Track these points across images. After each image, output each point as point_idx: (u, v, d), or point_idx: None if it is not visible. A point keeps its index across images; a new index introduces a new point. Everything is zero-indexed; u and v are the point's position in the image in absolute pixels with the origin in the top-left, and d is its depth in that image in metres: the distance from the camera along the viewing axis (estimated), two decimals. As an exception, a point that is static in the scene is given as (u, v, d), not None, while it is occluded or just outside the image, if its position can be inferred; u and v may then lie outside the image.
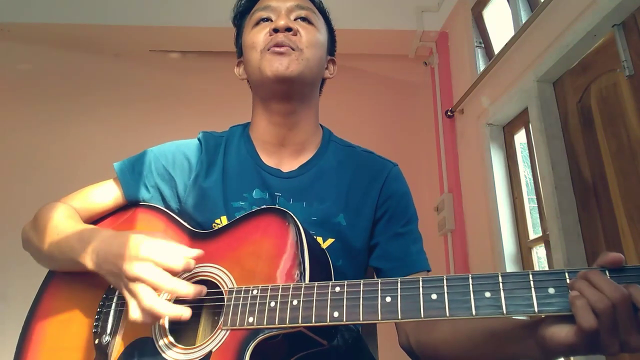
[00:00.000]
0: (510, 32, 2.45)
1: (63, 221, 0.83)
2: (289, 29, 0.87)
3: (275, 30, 0.87)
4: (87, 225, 0.83)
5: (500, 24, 2.71)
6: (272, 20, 0.90)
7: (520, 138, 2.51)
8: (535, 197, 2.30)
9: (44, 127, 3.13)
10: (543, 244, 2.19)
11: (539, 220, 2.26)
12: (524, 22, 2.29)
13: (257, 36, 0.89)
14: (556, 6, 2.04)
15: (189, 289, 0.66)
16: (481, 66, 2.76)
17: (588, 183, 1.93)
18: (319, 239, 0.83)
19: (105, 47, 3.32)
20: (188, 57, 3.45)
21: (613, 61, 1.80)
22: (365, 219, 0.88)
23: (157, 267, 0.66)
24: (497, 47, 2.70)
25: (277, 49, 0.85)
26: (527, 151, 2.40)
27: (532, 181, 2.37)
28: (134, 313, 0.65)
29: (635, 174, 1.68)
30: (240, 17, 0.99)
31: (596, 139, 1.89)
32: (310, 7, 0.93)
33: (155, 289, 0.65)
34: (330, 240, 0.84)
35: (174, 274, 0.66)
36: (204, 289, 0.67)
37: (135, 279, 0.66)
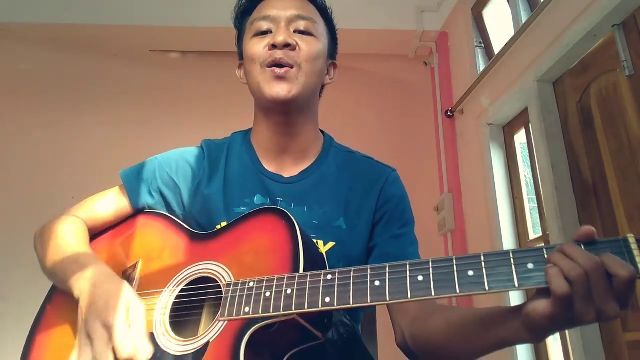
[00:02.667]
0: (510, 32, 2.45)
1: (67, 241, 0.84)
2: (287, 45, 0.86)
3: (274, 46, 0.86)
4: (87, 251, 0.83)
5: (500, 24, 2.71)
6: (272, 32, 0.89)
7: (520, 138, 2.51)
8: (535, 197, 2.30)
9: (44, 127, 3.12)
10: (543, 244, 2.19)
11: (539, 220, 2.27)
12: (524, 22, 2.30)
13: (256, 48, 0.89)
14: (556, 6, 2.05)
15: None
16: (481, 66, 2.76)
17: (588, 183, 1.93)
18: (320, 243, 0.85)
19: (105, 47, 3.32)
20: (188, 57, 3.45)
21: (613, 61, 1.80)
22: (364, 222, 0.90)
23: (108, 343, 0.65)
24: (497, 47, 2.70)
25: (278, 72, 0.85)
26: (527, 151, 2.40)
27: (532, 181, 2.37)
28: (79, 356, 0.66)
29: (635, 174, 1.68)
30: (241, 18, 0.98)
31: (596, 139, 1.89)
32: (310, 17, 0.91)
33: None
34: (330, 244, 0.86)
35: (118, 357, 0.65)
36: None
37: (87, 336, 0.66)
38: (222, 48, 3.21)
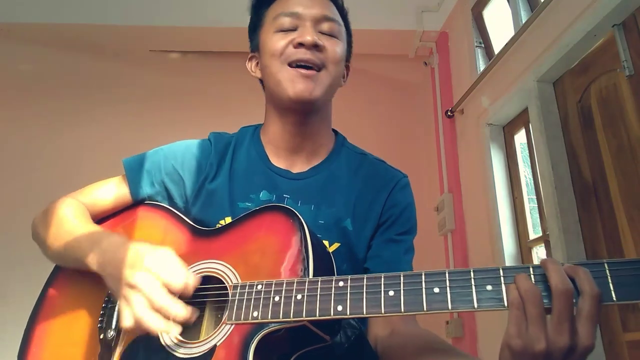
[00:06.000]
0: (510, 32, 2.45)
1: (73, 219, 0.83)
2: (315, 45, 0.84)
3: (301, 44, 0.84)
4: (96, 227, 0.83)
5: (500, 24, 2.71)
6: (296, 29, 0.86)
7: (520, 138, 2.51)
8: (535, 197, 2.30)
9: (44, 126, 3.13)
10: (543, 244, 2.19)
11: (539, 220, 2.27)
12: (524, 22, 2.30)
13: (279, 44, 0.85)
14: (556, 6, 2.04)
15: (178, 311, 0.66)
16: (481, 66, 2.76)
17: (588, 183, 1.93)
18: (325, 243, 0.84)
19: (105, 47, 3.32)
20: (188, 57, 3.45)
21: (613, 61, 1.80)
22: (370, 226, 0.89)
23: (157, 280, 0.66)
24: (497, 47, 2.70)
25: (304, 72, 0.83)
26: (527, 151, 2.40)
27: (532, 181, 2.37)
28: (126, 321, 0.66)
29: (635, 174, 1.68)
30: (258, 6, 0.93)
31: (596, 139, 1.89)
32: (335, 18, 0.89)
33: (149, 301, 0.65)
34: (336, 245, 0.85)
35: (172, 291, 0.67)
36: (194, 316, 0.68)
37: (132, 287, 0.66)
38: (222, 48, 3.21)
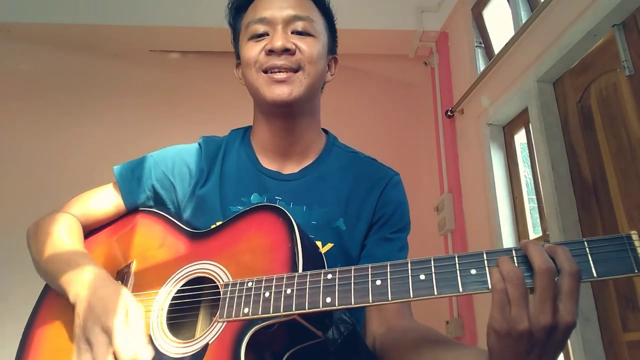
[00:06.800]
0: (510, 32, 2.45)
1: (62, 240, 0.82)
2: (286, 49, 0.84)
3: (272, 51, 0.84)
4: (82, 253, 0.81)
5: (500, 24, 2.71)
6: (268, 34, 0.86)
7: (520, 138, 2.51)
8: (535, 197, 2.30)
9: (44, 127, 3.12)
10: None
11: (539, 220, 2.27)
12: (524, 22, 2.30)
13: (252, 52, 0.86)
14: (556, 6, 2.04)
15: None
16: (481, 66, 2.76)
17: (588, 183, 1.93)
18: (318, 243, 0.83)
19: (105, 47, 3.32)
20: (188, 57, 3.45)
21: (613, 61, 1.80)
22: (363, 225, 0.88)
23: (109, 345, 0.63)
24: (497, 47, 2.70)
25: (277, 77, 0.83)
26: (527, 151, 2.40)
27: (532, 181, 2.37)
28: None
29: (635, 174, 1.68)
30: (235, 16, 0.95)
31: (596, 139, 1.89)
32: (307, 16, 0.88)
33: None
34: (329, 245, 0.85)
35: (118, 357, 0.63)
36: None
37: (87, 340, 0.65)
38: (222, 48, 3.20)
